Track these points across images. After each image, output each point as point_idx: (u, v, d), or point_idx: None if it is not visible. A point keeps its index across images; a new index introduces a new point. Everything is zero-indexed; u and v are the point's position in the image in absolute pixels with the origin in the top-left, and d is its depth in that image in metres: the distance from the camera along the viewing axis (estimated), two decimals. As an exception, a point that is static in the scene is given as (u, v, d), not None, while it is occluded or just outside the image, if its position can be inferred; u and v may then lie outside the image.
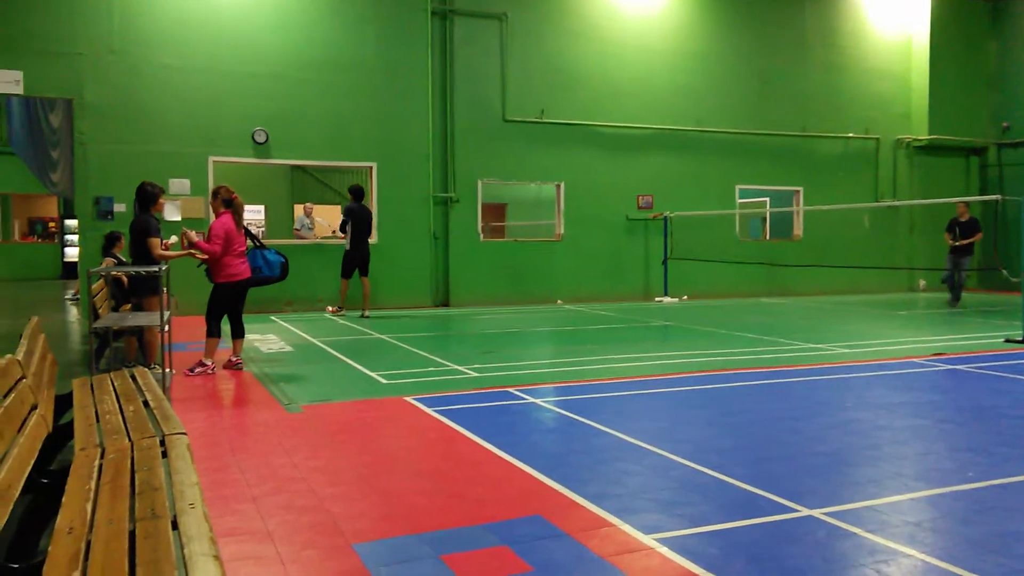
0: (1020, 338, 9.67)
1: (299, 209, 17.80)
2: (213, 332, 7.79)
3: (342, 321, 12.41)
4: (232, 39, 13.45)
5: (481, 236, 15.45)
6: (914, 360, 8.50)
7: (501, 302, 15.17)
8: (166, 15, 13.03)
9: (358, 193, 12.98)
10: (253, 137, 13.58)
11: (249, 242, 8.25)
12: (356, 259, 12.90)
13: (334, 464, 4.73)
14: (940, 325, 12.16)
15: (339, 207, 19.74)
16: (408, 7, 14.58)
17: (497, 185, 16.42)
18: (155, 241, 7.54)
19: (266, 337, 10.42)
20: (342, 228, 13.16)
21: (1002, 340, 9.93)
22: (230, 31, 13.44)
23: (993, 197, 13.15)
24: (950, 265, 14.99)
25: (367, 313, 12.83)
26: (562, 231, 15.96)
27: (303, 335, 10.65)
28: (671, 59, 16.54)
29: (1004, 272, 12.41)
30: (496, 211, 21.80)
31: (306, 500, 4.07)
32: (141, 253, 7.58)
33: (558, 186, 15.94)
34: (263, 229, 17.99)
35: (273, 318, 12.69)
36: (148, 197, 7.75)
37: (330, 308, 13.44)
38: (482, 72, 15.15)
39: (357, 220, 12.85)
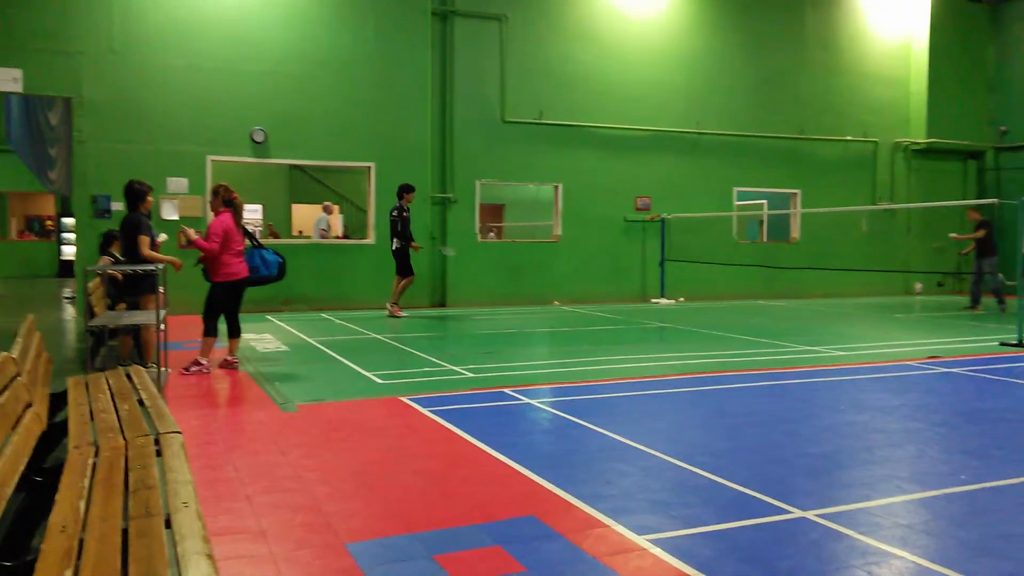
0: (1015, 341, 9.69)
1: (317, 209, 17.95)
2: (209, 331, 7.79)
3: (338, 321, 12.41)
4: (233, 38, 13.45)
5: (479, 237, 15.46)
6: (909, 363, 8.51)
7: (498, 303, 15.17)
8: (167, 15, 13.03)
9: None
10: (251, 136, 13.59)
11: (247, 241, 8.25)
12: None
13: (328, 463, 4.73)
14: (935, 328, 12.18)
15: (337, 207, 19.83)
16: (408, 7, 14.59)
17: (495, 186, 16.44)
18: (144, 239, 7.51)
19: (262, 336, 10.42)
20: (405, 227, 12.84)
21: (997, 343, 9.95)
22: (231, 30, 13.44)
23: (990, 201, 13.16)
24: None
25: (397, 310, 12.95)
26: (560, 232, 15.98)
27: (299, 334, 10.65)
28: (670, 61, 16.56)
29: (1000, 276, 12.46)
30: (494, 212, 21.82)
31: (300, 499, 4.07)
32: (133, 251, 7.58)
33: (556, 187, 15.95)
34: (260, 228, 18.02)
35: (269, 317, 12.69)
36: (136, 195, 7.72)
37: (396, 312, 12.88)
38: (481, 73, 15.17)
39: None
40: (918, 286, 19.00)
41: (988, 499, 4.10)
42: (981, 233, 14.41)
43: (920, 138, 18.64)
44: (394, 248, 12.78)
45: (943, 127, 18.68)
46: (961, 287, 19.53)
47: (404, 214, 12.73)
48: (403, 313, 12.90)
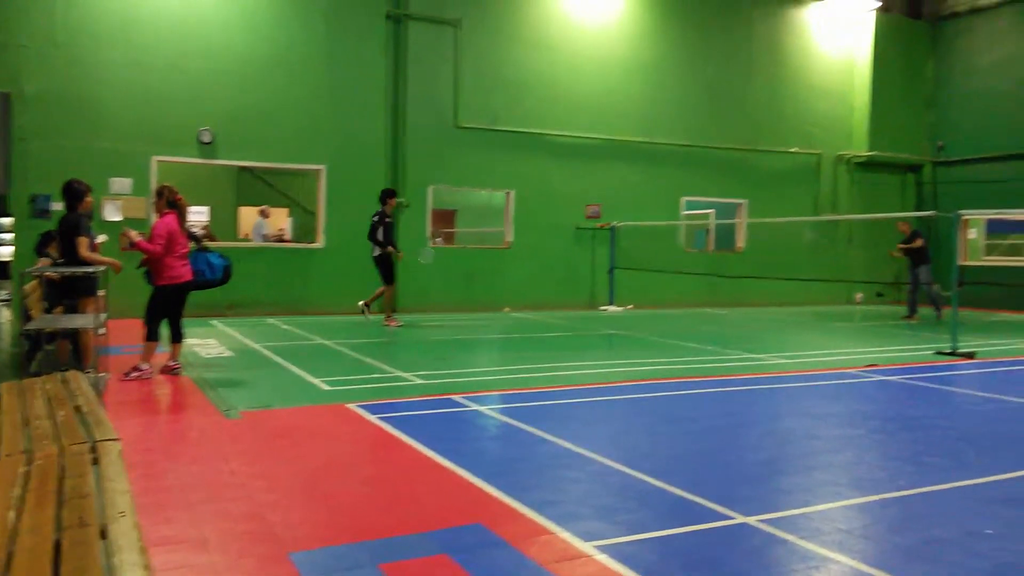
0: (950, 350, 10.00)
1: (252, 212, 17.66)
2: (151, 336, 7.61)
3: (285, 327, 12.24)
4: (181, 35, 13.20)
5: (430, 241, 15.41)
6: (849, 371, 8.73)
7: (449, 309, 15.13)
8: (113, 9, 12.72)
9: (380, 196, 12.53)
10: (199, 137, 13.34)
11: (192, 244, 8.09)
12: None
13: (273, 471, 4.66)
14: (874, 337, 12.51)
15: (287, 210, 19.59)
16: (362, 10, 14.50)
17: (448, 191, 16.41)
18: (83, 240, 7.31)
19: (206, 342, 10.23)
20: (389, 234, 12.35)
21: (932, 352, 10.26)
22: (180, 27, 13.19)
23: (928, 213, 13.61)
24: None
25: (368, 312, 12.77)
26: (511, 239, 16.01)
27: (244, 340, 10.48)
28: (622, 70, 16.74)
29: (936, 286, 12.87)
30: (446, 217, 21.77)
31: (243, 508, 4.00)
32: (71, 253, 7.37)
33: (508, 194, 15.99)
34: (206, 231, 17.68)
35: (214, 322, 12.46)
36: (75, 195, 7.50)
37: (391, 323, 12.41)
38: (435, 77, 15.13)
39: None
40: (858, 296, 19.51)
41: (922, 504, 4.22)
42: (919, 243, 14.89)
43: (862, 151, 19.16)
44: (375, 256, 12.24)
45: (884, 141, 19.24)
46: (899, 297, 20.12)
47: (387, 220, 12.26)
48: (399, 321, 12.53)
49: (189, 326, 8.40)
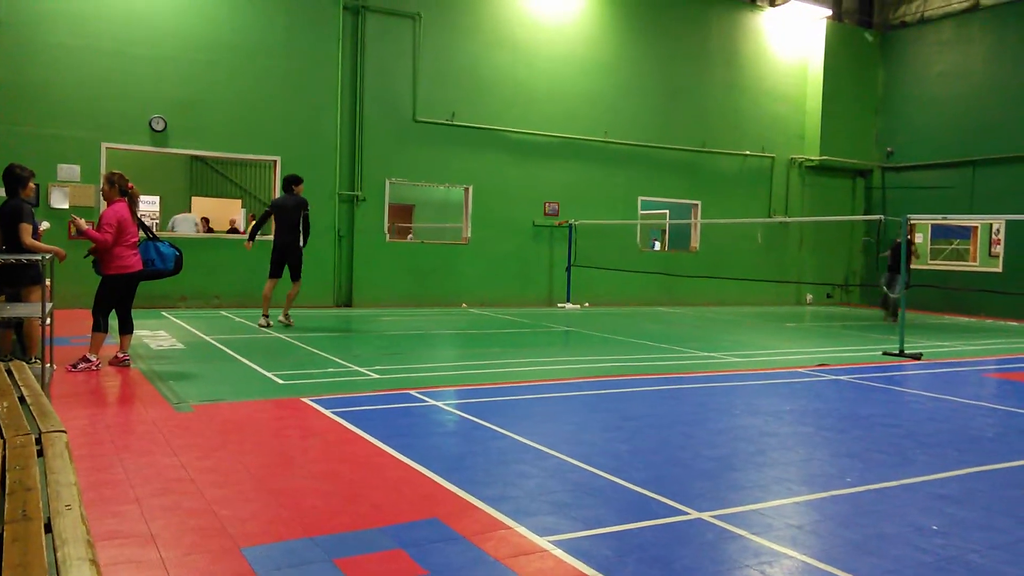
0: (897, 351, 10.25)
1: (220, 203, 17.29)
2: (100, 326, 7.42)
3: (238, 319, 12.05)
4: (133, 20, 12.90)
5: (387, 236, 15.30)
6: (800, 370, 8.89)
7: (405, 303, 15.05)
8: (58, -9, 12.38)
9: (283, 182, 11.40)
10: (150, 124, 13.06)
11: (142, 234, 7.90)
12: (274, 255, 11.14)
13: (225, 465, 4.58)
14: (825, 337, 12.77)
15: (240, 201, 19.27)
16: (320, 0, 14.32)
17: (405, 186, 16.30)
18: (26, 227, 7.08)
19: (156, 334, 10.01)
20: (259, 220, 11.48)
21: (880, 352, 10.51)
22: (131, 12, 12.88)
23: (876, 217, 13.89)
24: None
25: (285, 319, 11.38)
26: (469, 235, 15.98)
27: (197, 332, 10.28)
28: (581, 69, 16.81)
29: (884, 288, 13.20)
30: (404, 212, 21.64)
31: (193, 502, 3.92)
32: (13, 240, 7.14)
33: (466, 189, 15.95)
34: (157, 221, 17.32)
35: (165, 314, 12.20)
36: (17, 180, 7.26)
37: (289, 320, 11.39)
38: (393, 71, 15.02)
39: (278, 211, 11.11)
40: (809, 297, 19.90)
41: (870, 500, 4.31)
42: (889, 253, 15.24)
43: (814, 155, 19.54)
44: (298, 247, 11.07)
45: (835, 146, 19.65)
46: (848, 298, 20.58)
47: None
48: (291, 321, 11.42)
49: (139, 317, 8.22)
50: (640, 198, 17.76)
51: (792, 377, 8.44)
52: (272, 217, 11.20)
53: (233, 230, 17.09)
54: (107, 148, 12.83)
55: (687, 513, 3.98)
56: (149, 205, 17.63)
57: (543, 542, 3.54)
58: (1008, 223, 17.42)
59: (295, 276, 11.16)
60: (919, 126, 19.58)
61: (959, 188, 18.52)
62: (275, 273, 11.16)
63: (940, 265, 19.53)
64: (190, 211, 17.02)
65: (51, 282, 7.04)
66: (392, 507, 3.95)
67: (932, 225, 19.54)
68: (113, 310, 7.58)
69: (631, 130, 17.39)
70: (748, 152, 18.91)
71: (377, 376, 7.56)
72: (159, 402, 6.17)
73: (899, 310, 14.92)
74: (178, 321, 11.42)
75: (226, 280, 13.71)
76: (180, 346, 9.11)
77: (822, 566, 3.37)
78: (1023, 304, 16.53)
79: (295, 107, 14.19)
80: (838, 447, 5.51)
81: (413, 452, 4.91)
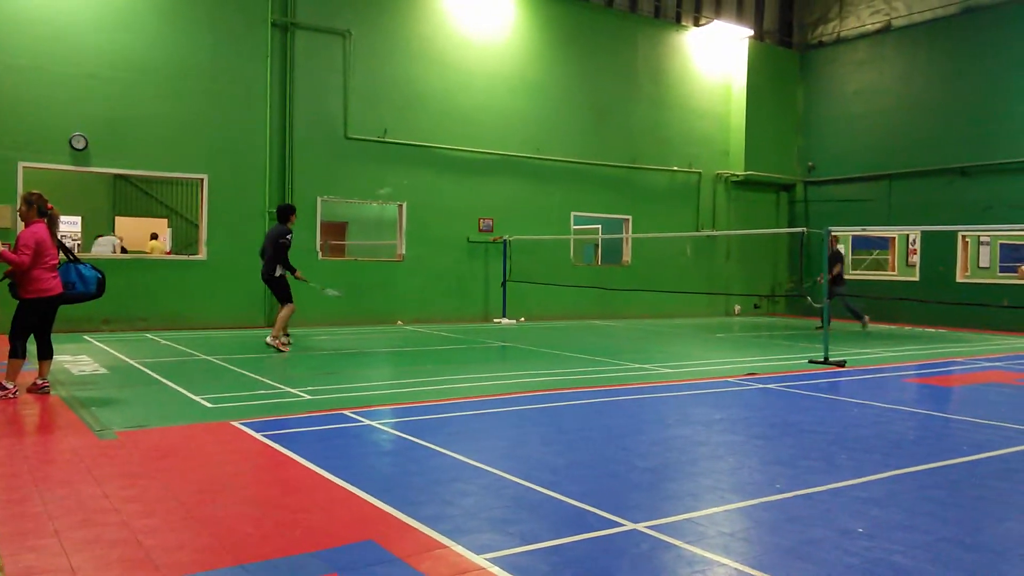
0: (822, 359, 10.57)
1: (143, 222, 16.81)
2: (17, 352, 7.12)
3: (164, 342, 11.71)
4: (51, 36, 12.51)
5: (320, 254, 15.10)
6: (729, 379, 9.09)
7: (340, 322, 14.86)
8: (-30, 5, 11.93)
9: (279, 212, 11.42)
10: (71, 143, 12.65)
11: (62, 256, 7.63)
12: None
13: (151, 493, 4.43)
14: (753, 347, 13.09)
15: (166, 220, 18.79)
16: (247, 16, 14.13)
17: (338, 203, 16.15)
18: None
19: (78, 358, 9.66)
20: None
21: (806, 361, 10.82)
22: (49, 27, 12.49)
23: (799, 229, 14.34)
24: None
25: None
26: (404, 252, 15.89)
27: (120, 356, 9.95)
28: (512, 87, 16.96)
29: (808, 299, 13.59)
30: (337, 230, 21.40)
31: (117, 533, 3.78)
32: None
33: (400, 206, 15.88)
34: (78, 242, 16.76)
35: (87, 338, 11.78)
36: None
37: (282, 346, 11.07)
38: (324, 88, 14.90)
39: (266, 241, 11.26)
40: (737, 308, 20.39)
41: (799, 506, 4.43)
42: (838, 268, 15.68)
43: (739, 170, 20.09)
44: (277, 276, 11.05)
45: (759, 161, 20.25)
46: (775, 308, 21.16)
47: (289, 237, 11.16)
48: (289, 345, 11.26)
49: (60, 342, 7.92)
50: (573, 213, 17.96)
51: (723, 386, 8.62)
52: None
53: (154, 235, 16.62)
54: (24, 167, 12.37)
55: (622, 525, 4.01)
56: (71, 226, 17.06)
57: (480, 560, 3.52)
58: (923, 234, 18.19)
59: (281, 301, 11.23)
60: (838, 141, 20.33)
61: (877, 201, 19.26)
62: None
63: (861, 275, 20.25)
64: (113, 232, 16.51)
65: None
66: (326, 531, 3.89)
67: (852, 236, 20.28)
68: (32, 335, 7.28)
69: (563, 147, 17.60)
70: (676, 168, 19.32)
71: (310, 397, 7.44)
72: (81, 430, 5.94)
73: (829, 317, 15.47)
74: (101, 345, 11.04)
75: (153, 302, 13.34)
76: (103, 371, 8.80)
77: (754, 572, 3.44)
78: (939, 311, 17.26)
79: (223, 125, 13.93)
80: (767, 454, 5.64)
81: (348, 473, 4.84)
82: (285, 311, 11.14)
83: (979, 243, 19.09)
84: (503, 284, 16.61)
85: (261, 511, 4.17)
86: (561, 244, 17.72)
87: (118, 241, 15.84)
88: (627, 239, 18.77)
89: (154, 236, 17.95)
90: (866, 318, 16.13)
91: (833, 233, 15.35)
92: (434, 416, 6.77)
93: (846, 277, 16.80)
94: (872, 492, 4.68)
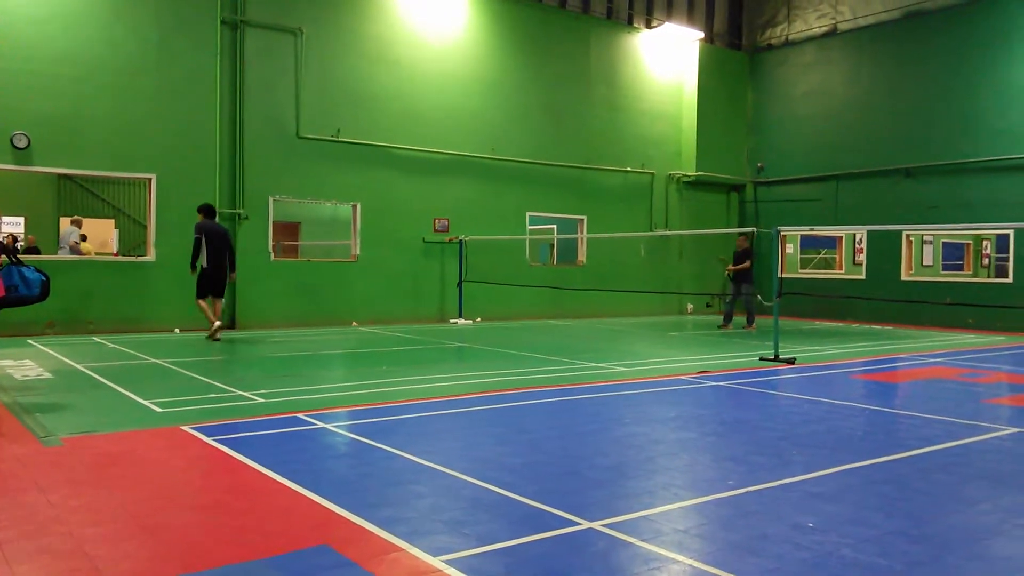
0: (772, 356, 10.76)
1: (64, 222, 16.35)
2: (-46, 358, 6.90)
3: (112, 345, 11.44)
4: (-14, 31, 12.11)
5: (272, 255, 14.90)
6: (683, 377, 9.20)
7: (293, 324, 14.68)
8: (-97, -2, 11.52)
9: (207, 210, 12.20)
10: (12, 141, 12.29)
11: (4, 258, 7.40)
12: (212, 278, 12.05)
13: (98, 502, 4.32)
14: (705, 345, 13.26)
15: (113, 221, 18.35)
16: (196, 13, 13.88)
17: (290, 203, 15.95)
18: None
19: (21, 363, 9.38)
20: (196, 246, 12.02)
21: (757, 359, 11.00)
22: (-16, 22, 12.10)
23: (749, 229, 14.60)
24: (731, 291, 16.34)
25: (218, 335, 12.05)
26: (358, 252, 15.76)
27: (66, 360, 9.70)
28: (466, 87, 16.93)
29: (758, 297, 13.86)
30: (289, 230, 21.15)
31: (63, 544, 3.68)
32: None
33: (354, 206, 15.75)
34: (22, 243, 16.28)
35: (31, 342, 11.46)
36: None
37: (213, 335, 12.04)
38: (276, 87, 14.70)
39: (210, 236, 11.99)
40: (689, 306, 20.65)
41: (751, 502, 4.50)
42: (748, 263, 15.98)
43: (690, 171, 20.35)
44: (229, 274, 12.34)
45: (710, 162, 20.54)
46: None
47: None
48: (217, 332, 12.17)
49: (2, 346, 7.68)
50: (528, 213, 18.01)
51: (676, 384, 8.72)
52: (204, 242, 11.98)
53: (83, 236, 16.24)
54: (-39, 166, 11.98)
55: (579, 524, 4.03)
56: (13, 226, 16.59)
57: (436, 562, 3.51)
58: (869, 233, 18.63)
59: (222, 295, 12.31)
60: (787, 143, 20.72)
61: (825, 201, 19.68)
62: (203, 294, 12.06)
63: (809, 273, 20.67)
64: (78, 227, 16.11)
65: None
66: (280, 536, 3.83)
67: (801, 236, 20.68)
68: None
69: (518, 147, 17.63)
70: (629, 168, 19.50)
71: (263, 400, 7.34)
72: (24, 436, 5.77)
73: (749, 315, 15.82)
74: (46, 349, 10.74)
75: (100, 305, 13.02)
76: (48, 375, 8.57)
77: (708, 568, 3.48)
78: (885, 308, 17.71)
79: (171, 124, 13.66)
80: (720, 451, 5.72)
81: (302, 477, 4.78)
82: (219, 304, 12.24)
83: (923, 242, 19.61)
84: (459, 284, 16.58)
85: (212, 518, 4.09)
86: (517, 244, 17.75)
87: (77, 231, 15.48)
88: (582, 239, 18.89)
89: (83, 238, 17.49)
90: (754, 325, 16.21)
91: (746, 233, 15.81)
92: (390, 418, 6.72)
93: (793, 276, 17.14)
94: (822, 487, 4.78)
